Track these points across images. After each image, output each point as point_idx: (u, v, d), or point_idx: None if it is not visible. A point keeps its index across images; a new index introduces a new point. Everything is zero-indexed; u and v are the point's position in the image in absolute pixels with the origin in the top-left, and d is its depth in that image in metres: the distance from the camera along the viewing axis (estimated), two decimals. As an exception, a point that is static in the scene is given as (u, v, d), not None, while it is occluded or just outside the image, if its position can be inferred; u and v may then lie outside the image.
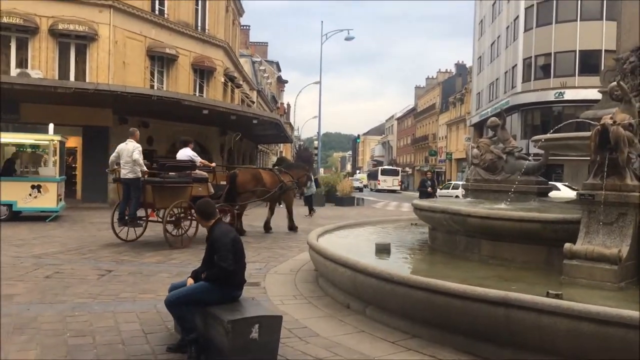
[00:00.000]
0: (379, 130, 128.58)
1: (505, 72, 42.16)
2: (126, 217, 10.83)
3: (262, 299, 6.60)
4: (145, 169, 10.87)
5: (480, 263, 6.91)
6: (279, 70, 74.57)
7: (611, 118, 5.66)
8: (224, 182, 12.61)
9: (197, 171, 11.65)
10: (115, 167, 11.15)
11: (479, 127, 46.99)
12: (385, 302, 5.64)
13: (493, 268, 6.55)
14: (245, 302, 5.04)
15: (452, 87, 68.16)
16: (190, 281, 5.00)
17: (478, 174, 9.23)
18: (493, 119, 9.66)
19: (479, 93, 51.14)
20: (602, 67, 14.50)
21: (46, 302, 6.34)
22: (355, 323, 5.71)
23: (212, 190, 11.95)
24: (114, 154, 11.16)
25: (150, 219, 11.50)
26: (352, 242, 8.98)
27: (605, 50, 31.20)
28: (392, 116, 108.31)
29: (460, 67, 70.26)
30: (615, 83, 6.85)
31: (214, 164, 13.63)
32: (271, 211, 14.44)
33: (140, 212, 11.16)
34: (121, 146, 11.01)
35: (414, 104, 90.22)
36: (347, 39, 37.53)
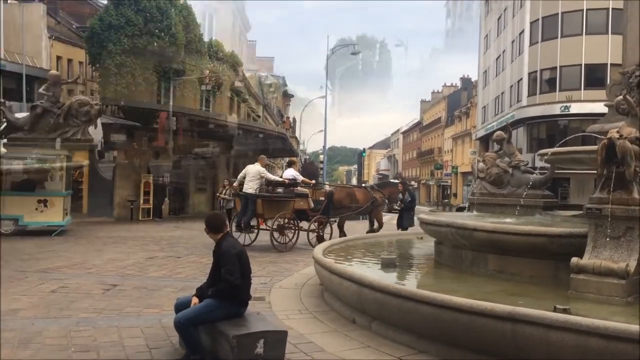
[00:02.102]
0: (384, 144, 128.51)
1: (511, 86, 42.14)
2: (242, 225, 12.48)
3: (267, 313, 6.57)
4: (272, 178, 12.70)
5: (486, 277, 6.86)
6: (285, 84, 74.89)
7: (618, 132, 5.63)
8: (323, 198, 14.21)
9: (299, 188, 13.20)
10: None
11: (485, 141, 46.90)
12: (391, 317, 5.60)
13: (500, 283, 6.50)
14: (251, 317, 5.02)
15: (458, 101, 68.12)
16: (195, 300, 4.94)
17: (484, 188, 9.19)
18: (499, 132, 9.64)
19: (485, 107, 51.11)
20: (608, 81, 14.48)
21: (51, 317, 6.33)
22: (361, 338, 5.66)
23: (312, 204, 13.43)
24: (242, 173, 12.87)
25: (260, 227, 13.34)
26: (357, 256, 8.94)
27: (611, 64, 31.09)
28: (398, 130, 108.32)
29: (465, 81, 70.28)
30: (621, 97, 6.82)
31: (313, 181, 15.57)
32: (371, 223, 15.80)
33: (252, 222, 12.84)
34: (249, 167, 12.85)
35: (420, 117, 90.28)
36: (353, 53, 37.76)
